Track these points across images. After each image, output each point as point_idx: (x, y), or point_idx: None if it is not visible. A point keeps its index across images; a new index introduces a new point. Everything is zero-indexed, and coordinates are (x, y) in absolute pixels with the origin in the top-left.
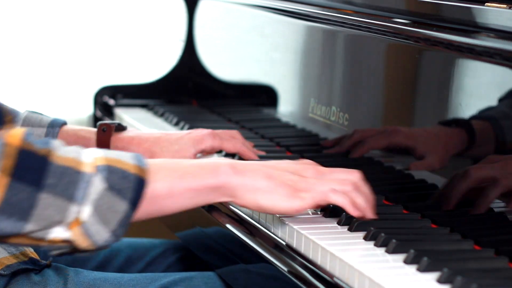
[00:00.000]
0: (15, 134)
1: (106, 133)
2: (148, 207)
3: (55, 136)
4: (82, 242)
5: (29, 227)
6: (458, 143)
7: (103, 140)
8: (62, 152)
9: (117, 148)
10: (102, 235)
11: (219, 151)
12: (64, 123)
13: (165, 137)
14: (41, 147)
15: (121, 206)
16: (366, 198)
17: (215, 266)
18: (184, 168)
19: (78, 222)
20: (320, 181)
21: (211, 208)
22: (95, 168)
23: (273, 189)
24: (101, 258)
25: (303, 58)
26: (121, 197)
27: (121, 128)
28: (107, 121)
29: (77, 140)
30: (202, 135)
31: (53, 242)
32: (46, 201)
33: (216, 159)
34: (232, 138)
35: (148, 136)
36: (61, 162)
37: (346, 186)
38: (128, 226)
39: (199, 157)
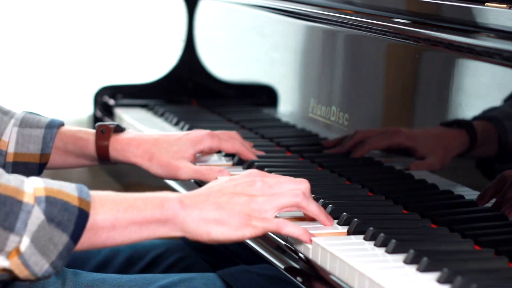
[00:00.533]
0: None
1: (104, 134)
2: (91, 239)
3: (53, 136)
4: (21, 272)
5: None
6: (458, 143)
7: (102, 142)
8: (4, 180)
9: (116, 150)
10: (41, 266)
11: (218, 152)
12: (62, 124)
13: (163, 138)
14: None
15: (61, 238)
16: (315, 203)
17: (215, 267)
18: (130, 201)
19: (17, 252)
20: (268, 198)
21: None
22: (34, 199)
23: (225, 220)
24: (101, 258)
25: (303, 58)
26: (61, 230)
27: (119, 129)
28: (106, 122)
29: (76, 141)
30: (201, 136)
31: None
32: None
33: (164, 193)
34: (230, 139)
35: (147, 138)
36: (2, 191)
37: (296, 198)
38: (69, 258)
39: (198, 157)
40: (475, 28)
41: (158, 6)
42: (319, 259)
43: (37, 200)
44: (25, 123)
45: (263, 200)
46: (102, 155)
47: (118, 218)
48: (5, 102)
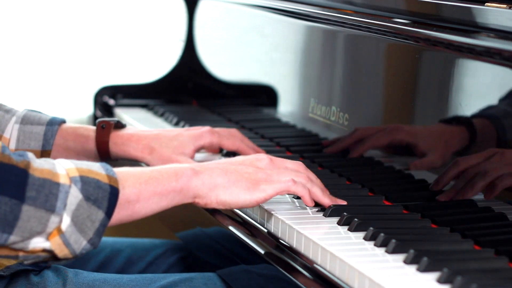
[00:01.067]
0: None
1: (105, 130)
2: (120, 213)
3: (54, 133)
4: (61, 251)
5: (12, 238)
6: (458, 141)
7: (102, 137)
8: (38, 164)
9: (116, 145)
10: (80, 244)
11: (220, 150)
12: (63, 121)
13: (164, 133)
14: (19, 159)
15: (98, 215)
16: (320, 187)
17: (215, 266)
18: (148, 174)
19: (58, 232)
20: (279, 171)
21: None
22: (69, 179)
23: (232, 183)
24: (102, 258)
25: (303, 58)
26: (97, 207)
27: (120, 125)
28: (106, 118)
29: (76, 137)
30: (201, 132)
31: (32, 252)
32: (28, 213)
33: (177, 164)
34: (231, 136)
35: (147, 133)
36: (39, 174)
37: (302, 179)
38: (103, 235)
39: (199, 160)
40: (475, 28)
41: (158, 6)
42: (319, 259)
43: (73, 180)
44: (26, 120)
45: (270, 172)
46: (103, 150)
47: (141, 190)
48: (6, 102)
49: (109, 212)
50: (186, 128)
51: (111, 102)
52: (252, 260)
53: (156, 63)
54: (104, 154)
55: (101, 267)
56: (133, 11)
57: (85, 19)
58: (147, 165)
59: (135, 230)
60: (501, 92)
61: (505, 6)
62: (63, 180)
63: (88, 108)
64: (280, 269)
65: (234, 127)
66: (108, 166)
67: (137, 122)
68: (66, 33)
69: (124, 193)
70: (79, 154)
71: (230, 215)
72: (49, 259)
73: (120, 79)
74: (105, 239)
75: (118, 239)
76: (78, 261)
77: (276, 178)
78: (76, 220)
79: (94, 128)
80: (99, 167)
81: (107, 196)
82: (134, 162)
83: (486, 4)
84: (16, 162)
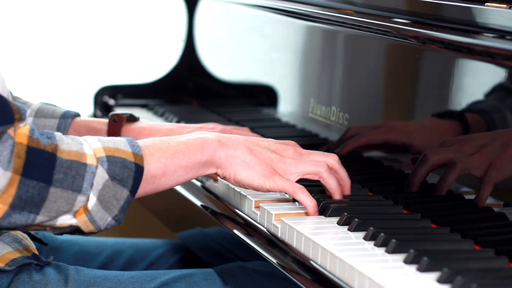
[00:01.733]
0: (23, 133)
1: (117, 123)
2: (146, 188)
3: (67, 127)
4: (87, 227)
5: (39, 218)
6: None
7: (114, 131)
8: (66, 145)
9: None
10: (105, 220)
11: None
12: (77, 115)
13: (177, 129)
14: (47, 142)
15: (123, 193)
16: (340, 179)
17: (215, 266)
18: (174, 147)
19: (84, 210)
20: (296, 162)
21: (214, 211)
22: (96, 160)
23: (253, 165)
24: (103, 258)
25: (303, 58)
26: (122, 186)
27: (133, 119)
28: (119, 112)
29: (89, 131)
30: (212, 130)
31: (59, 228)
32: (55, 194)
33: (204, 133)
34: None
35: (160, 127)
36: (67, 156)
37: (320, 168)
38: (127, 210)
39: None
40: (475, 28)
41: (158, 6)
42: (319, 259)
43: (100, 160)
44: (40, 113)
45: (291, 162)
46: None
47: (167, 164)
48: (19, 95)
49: (134, 190)
50: (199, 125)
51: (111, 102)
52: (251, 259)
53: (156, 63)
54: None
55: (102, 268)
56: (133, 11)
57: (86, 19)
58: None
59: (137, 231)
60: (501, 92)
61: (505, 6)
62: (90, 160)
63: (88, 108)
64: (280, 269)
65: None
66: (134, 142)
67: (171, 125)
68: (67, 33)
69: (150, 169)
70: None
71: (230, 215)
72: (75, 232)
73: (120, 79)
74: (106, 239)
75: (119, 239)
76: (80, 261)
77: (294, 170)
78: (102, 199)
79: (106, 121)
80: (125, 144)
81: (132, 175)
82: None
83: (486, 4)
84: (44, 145)
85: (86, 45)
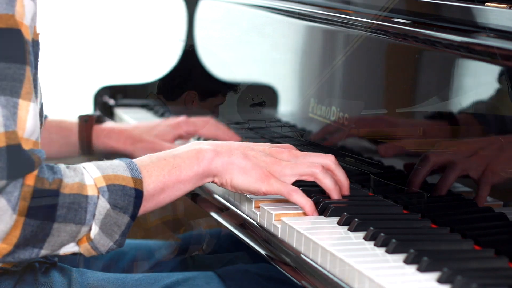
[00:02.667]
0: (31, 175)
1: (87, 123)
2: (145, 207)
3: None
4: (89, 253)
5: (43, 252)
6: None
7: (85, 130)
8: (68, 179)
9: (98, 137)
10: (106, 245)
11: (197, 138)
12: (45, 117)
13: (143, 124)
14: (52, 179)
15: (123, 219)
16: (337, 180)
17: (216, 267)
18: (171, 162)
19: (87, 239)
20: (291, 165)
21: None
22: (97, 190)
23: (248, 170)
24: (106, 260)
25: (303, 58)
26: (123, 213)
27: (101, 120)
28: (88, 113)
29: (60, 130)
30: (177, 122)
31: (63, 255)
32: (58, 229)
33: (199, 143)
34: (206, 124)
35: (127, 125)
36: (69, 191)
37: (315, 169)
38: (128, 233)
39: (178, 144)
40: (475, 28)
41: (158, 6)
42: (319, 259)
43: (101, 190)
44: None
45: (286, 165)
46: (85, 143)
47: (165, 182)
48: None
49: (134, 215)
50: (164, 119)
51: (111, 102)
52: (252, 260)
53: (156, 63)
54: (86, 147)
55: (106, 269)
56: (133, 11)
57: (85, 19)
58: (130, 156)
59: (139, 233)
60: (501, 91)
61: (505, 6)
62: (91, 191)
63: (88, 108)
64: (280, 269)
65: (235, 127)
66: (133, 165)
67: (137, 122)
68: (66, 33)
69: (149, 190)
70: (62, 146)
71: (231, 215)
72: (76, 254)
73: (120, 79)
74: None
75: None
76: (84, 262)
77: (289, 172)
78: (104, 227)
79: (77, 121)
80: (124, 169)
81: (132, 201)
82: (116, 155)
83: (486, 4)
84: (49, 184)
85: (86, 45)
